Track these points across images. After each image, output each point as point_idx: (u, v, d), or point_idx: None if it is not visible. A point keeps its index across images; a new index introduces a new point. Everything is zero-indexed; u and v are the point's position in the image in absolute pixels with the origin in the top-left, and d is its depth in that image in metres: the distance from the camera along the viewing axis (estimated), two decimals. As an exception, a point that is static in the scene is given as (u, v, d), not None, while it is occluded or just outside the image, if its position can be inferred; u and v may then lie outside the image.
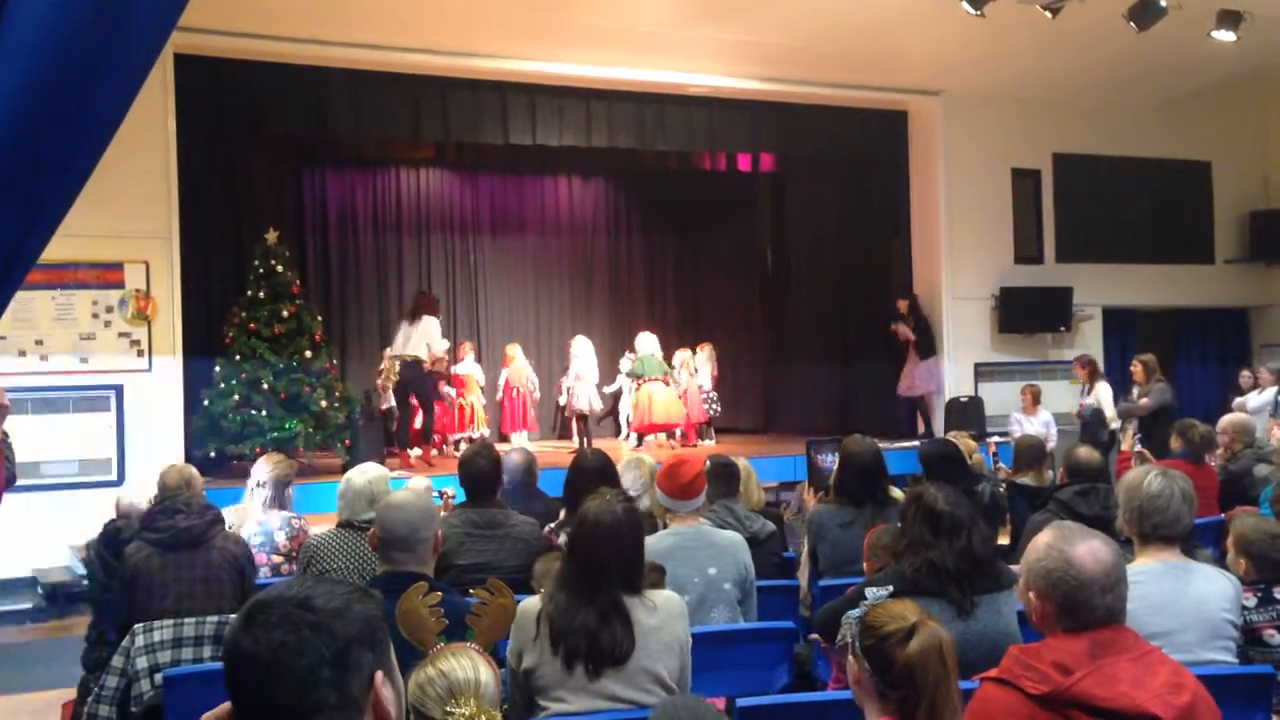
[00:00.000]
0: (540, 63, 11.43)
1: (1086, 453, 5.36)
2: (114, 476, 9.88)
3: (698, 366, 14.05)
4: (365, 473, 4.94)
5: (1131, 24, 10.35)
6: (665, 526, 4.49)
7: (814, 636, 4.15)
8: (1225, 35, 10.79)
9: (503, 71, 11.53)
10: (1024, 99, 13.28)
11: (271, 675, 1.54)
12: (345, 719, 1.58)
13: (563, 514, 5.40)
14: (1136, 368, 11.23)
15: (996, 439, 11.26)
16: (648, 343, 13.43)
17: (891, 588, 2.94)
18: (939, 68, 12.55)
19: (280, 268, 11.02)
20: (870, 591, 2.61)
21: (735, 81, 12.29)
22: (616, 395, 14.38)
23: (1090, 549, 2.58)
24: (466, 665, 2.34)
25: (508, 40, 11.01)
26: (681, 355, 13.95)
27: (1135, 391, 11.12)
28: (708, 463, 5.14)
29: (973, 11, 9.93)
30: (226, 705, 1.65)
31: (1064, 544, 2.60)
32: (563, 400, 13.88)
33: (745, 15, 10.75)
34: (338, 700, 1.56)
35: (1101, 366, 12.61)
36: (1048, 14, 10.11)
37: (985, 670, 2.61)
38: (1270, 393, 12.00)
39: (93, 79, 1.58)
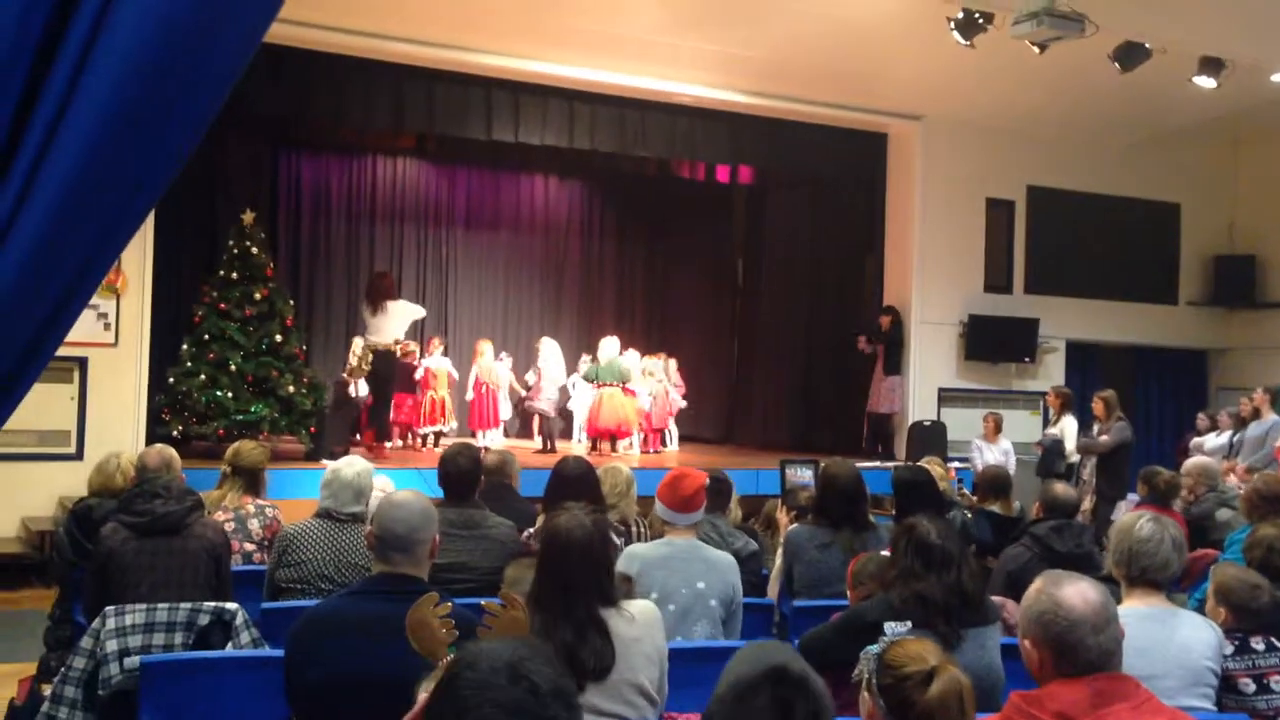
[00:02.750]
0: (527, 60, 11.44)
1: (1063, 489, 5.43)
2: (73, 450, 9.76)
3: (658, 374, 13.99)
4: (353, 465, 4.88)
5: (1116, 64, 10.48)
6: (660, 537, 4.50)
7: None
8: (1206, 81, 10.95)
9: (489, 67, 11.52)
10: (1003, 130, 13.42)
11: None
12: None
13: (540, 519, 5.37)
14: (1098, 404, 11.10)
15: (957, 464, 11.38)
16: (609, 348, 13.38)
17: (910, 624, 2.94)
18: (921, 93, 12.66)
19: (255, 250, 10.90)
20: (889, 627, 2.62)
21: (719, 93, 12.36)
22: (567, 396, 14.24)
23: (1078, 590, 2.63)
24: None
25: (497, 36, 11.00)
26: (645, 363, 13.89)
27: (1096, 428, 11.13)
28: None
29: (963, 42, 10.01)
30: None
31: (1052, 587, 2.66)
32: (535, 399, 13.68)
33: (734, 28, 10.81)
34: None
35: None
36: (1035, 49, 10.19)
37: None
38: (1227, 435, 12.17)
39: (181, 98, 1.55)
